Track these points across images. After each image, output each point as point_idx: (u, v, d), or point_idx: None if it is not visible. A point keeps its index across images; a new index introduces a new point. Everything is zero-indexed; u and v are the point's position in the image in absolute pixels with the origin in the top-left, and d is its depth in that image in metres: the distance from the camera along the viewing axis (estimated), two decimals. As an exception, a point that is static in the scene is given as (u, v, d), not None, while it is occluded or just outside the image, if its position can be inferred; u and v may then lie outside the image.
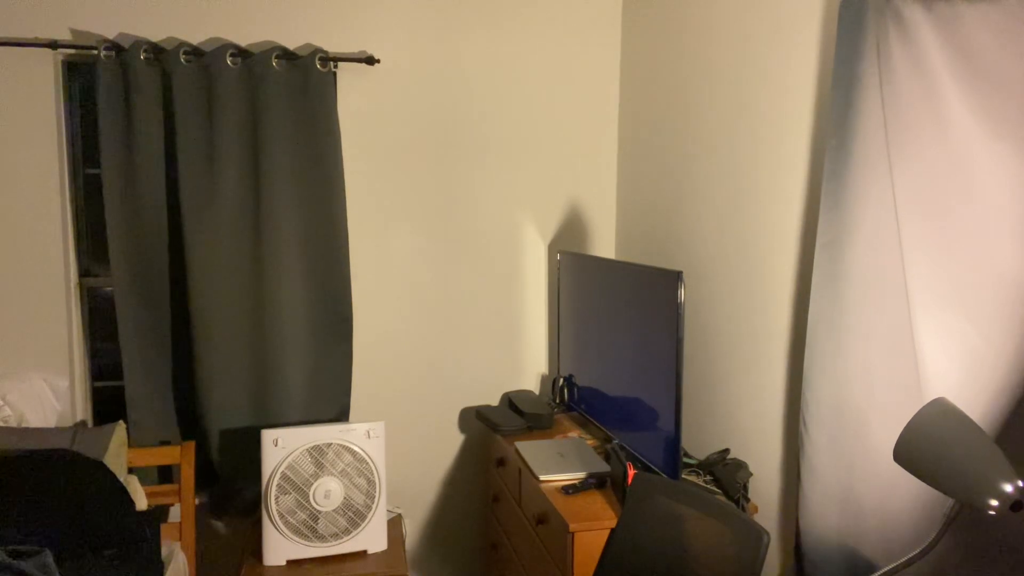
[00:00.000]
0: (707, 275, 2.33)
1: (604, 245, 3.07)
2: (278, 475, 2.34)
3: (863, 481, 1.62)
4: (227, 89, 2.47)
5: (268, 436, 2.35)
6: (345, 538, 2.41)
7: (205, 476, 2.61)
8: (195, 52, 2.47)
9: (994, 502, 1.06)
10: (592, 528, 1.91)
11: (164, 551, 2.27)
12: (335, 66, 2.65)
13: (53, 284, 2.53)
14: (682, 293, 1.92)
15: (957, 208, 1.41)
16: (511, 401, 2.85)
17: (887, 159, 1.52)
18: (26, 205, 2.49)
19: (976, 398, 1.39)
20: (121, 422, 2.42)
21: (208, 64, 2.47)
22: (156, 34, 2.52)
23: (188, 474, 2.49)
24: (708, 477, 2.10)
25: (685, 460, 2.20)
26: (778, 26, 1.98)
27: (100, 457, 2.25)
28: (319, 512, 2.37)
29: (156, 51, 2.44)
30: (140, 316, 2.51)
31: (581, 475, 2.19)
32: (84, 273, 2.63)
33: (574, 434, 2.61)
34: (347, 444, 2.40)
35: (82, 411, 2.62)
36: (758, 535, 1.42)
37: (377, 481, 2.43)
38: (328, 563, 2.38)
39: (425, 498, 2.97)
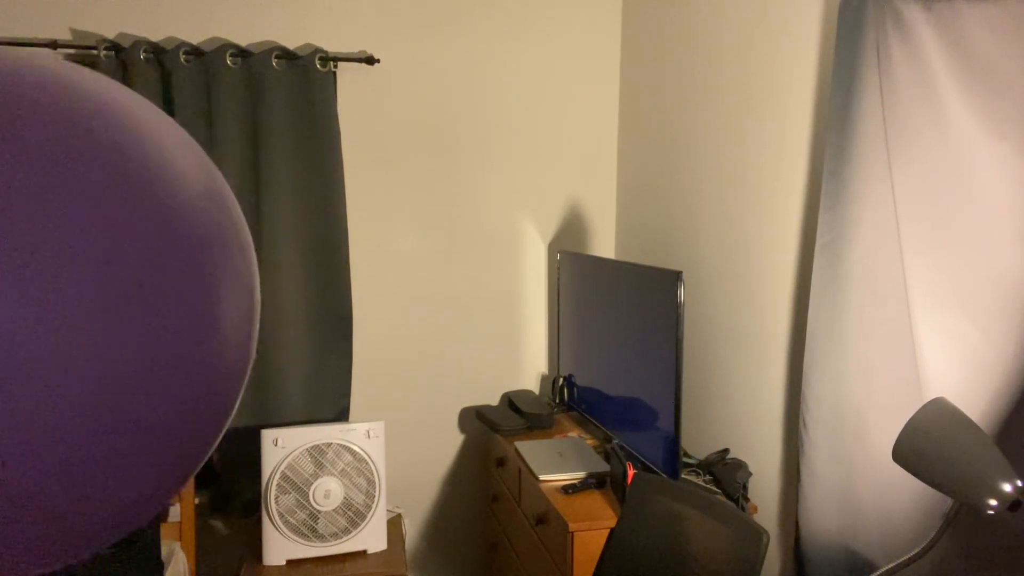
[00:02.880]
0: (707, 275, 2.33)
1: (604, 245, 3.07)
2: (278, 475, 2.34)
3: (863, 481, 1.62)
4: (227, 89, 2.48)
5: (268, 436, 2.35)
6: (345, 538, 2.41)
7: (205, 476, 2.61)
8: (195, 52, 2.47)
9: (993, 502, 1.06)
10: (592, 528, 1.91)
11: (164, 551, 2.27)
12: (335, 66, 2.65)
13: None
14: (682, 293, 1.92)
15: (957, 208, 1.41)
16: (511, 401, 2.85)
17: (887, 159, 1.52)
18: (26, 205, 2.49)
19: (976, 398, 1.39)
20: (121, 422, 2.42)
21: (208, 64, 2.47)
22: (156, 34, 2.52)
23: (188, 474, 2.49)
24: (708, 477, 2.10)
25: (685, 460, 2.20)
26: (778, 26, 1.98)
27: (100, 457, 2.25)
28: (319, 512, 2.37)
29: (156, 51, 2.44)
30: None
31: (581, 475, 2.19)
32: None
33: (574, 434, 2.61)
34: (347, 444, 2.40)
35: (82, 411, 2.62)
36: (758, 535, 1.42)
37: (377, 481, 2.43)
38: (328, 563, 2.38)
39: (425, 498, 2.97)
